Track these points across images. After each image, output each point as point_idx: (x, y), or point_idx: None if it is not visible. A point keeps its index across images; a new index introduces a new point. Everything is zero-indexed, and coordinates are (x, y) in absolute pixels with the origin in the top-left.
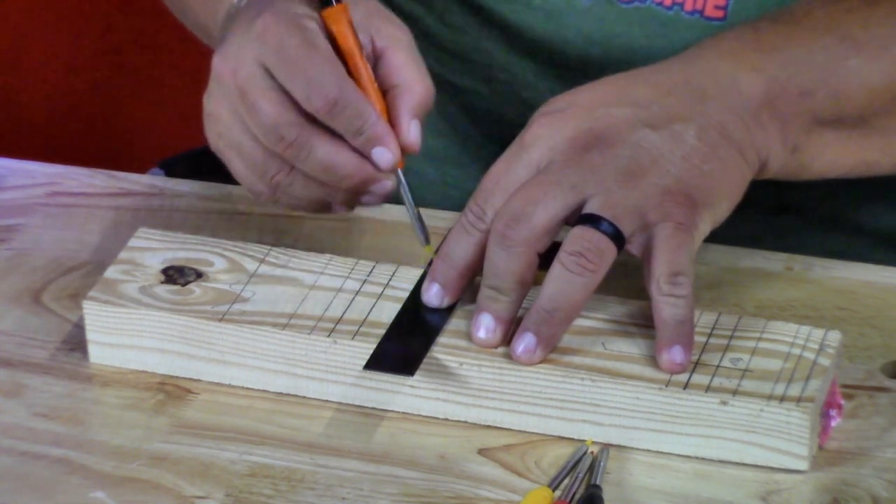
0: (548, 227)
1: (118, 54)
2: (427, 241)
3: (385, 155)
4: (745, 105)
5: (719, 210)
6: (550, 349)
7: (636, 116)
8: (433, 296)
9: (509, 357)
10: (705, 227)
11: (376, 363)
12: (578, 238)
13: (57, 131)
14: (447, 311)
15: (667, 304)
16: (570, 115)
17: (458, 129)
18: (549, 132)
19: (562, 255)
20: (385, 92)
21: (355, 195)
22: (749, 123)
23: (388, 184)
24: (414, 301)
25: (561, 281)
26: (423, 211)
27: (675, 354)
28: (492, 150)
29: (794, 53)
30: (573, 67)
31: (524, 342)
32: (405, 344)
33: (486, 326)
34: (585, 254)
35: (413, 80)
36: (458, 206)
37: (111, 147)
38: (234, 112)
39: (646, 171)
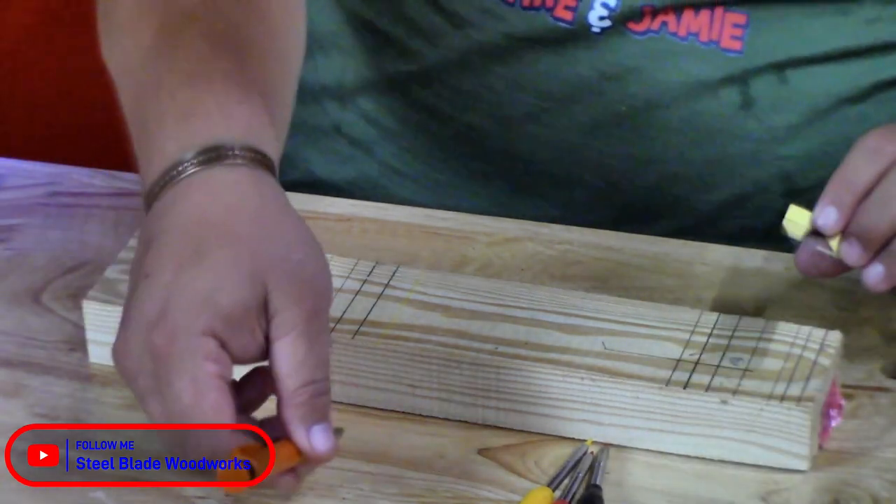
0: None
1: None
2: None
3: None
4: None
5: None
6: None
7: None
8: (828, 216)
9: (508, 357)
10: None
11: None
12: None
13: (57, 131)
14: None
15: None
16: None
17: (469, 166)
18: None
19: None
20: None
21: None
22: None
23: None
24: None
25: None
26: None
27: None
28: (501, 185)
29: None
30: (585, 102)
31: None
32: None
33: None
34: None
35: (294, 387)
36: None
37: (111, 147)
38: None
39: None
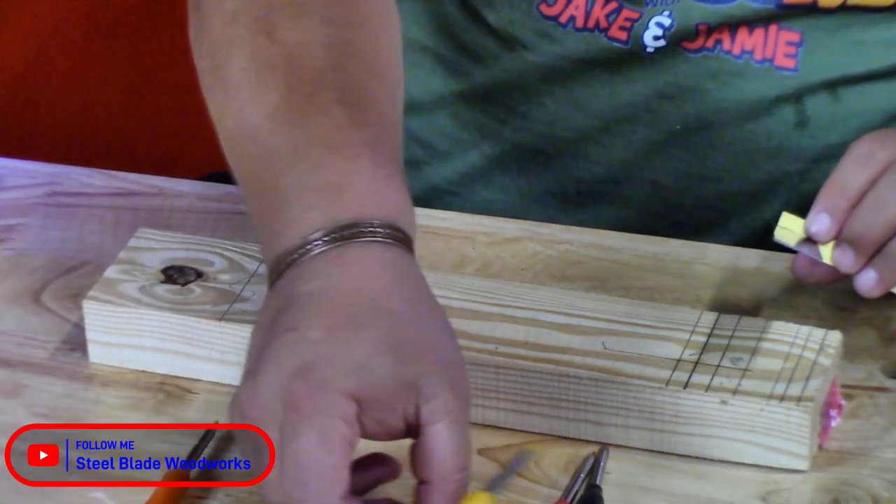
0: None
1: (120, 56)
2: None
3: None
4: None
5: None
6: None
7: None
8: (821, 223)
9: (509, 357)
10: None
11: None
12: None
13: (57, 131)
14: None
15: None
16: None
17: (520, 184)
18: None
19: None
20: (420, 482)
21: None
22: None
23: None
24: None
25: None
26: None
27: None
28: (553, 203)
29: None
30: (641, 122)
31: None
32: None
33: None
34: None
35: (449, 474)
36: None
37: (111, 147)
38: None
39: None
